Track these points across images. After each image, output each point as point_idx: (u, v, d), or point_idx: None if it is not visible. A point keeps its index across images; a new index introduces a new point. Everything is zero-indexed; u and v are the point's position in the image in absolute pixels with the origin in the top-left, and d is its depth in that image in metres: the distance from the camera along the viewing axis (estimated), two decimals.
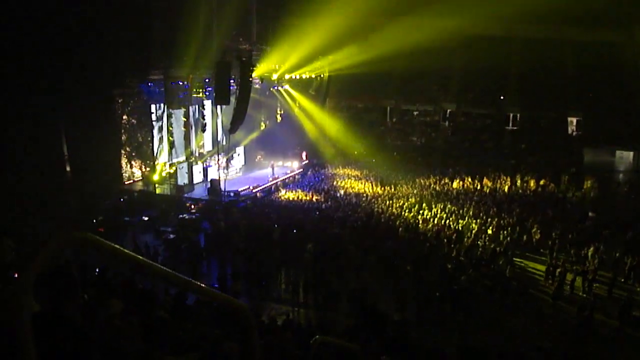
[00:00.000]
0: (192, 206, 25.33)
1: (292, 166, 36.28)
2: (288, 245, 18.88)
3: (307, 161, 37.60)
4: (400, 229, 21.32)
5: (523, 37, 40.62)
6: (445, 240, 20.19)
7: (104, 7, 22.28)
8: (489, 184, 30.06)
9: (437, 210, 23.89)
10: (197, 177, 29.53)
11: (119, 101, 26.83)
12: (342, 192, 29.09)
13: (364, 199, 27.14)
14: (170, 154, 29.20)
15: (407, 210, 24.23)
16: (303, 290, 16.04)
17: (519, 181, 30.33)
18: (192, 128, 30.72)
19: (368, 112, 45.59)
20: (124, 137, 27.70)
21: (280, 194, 29.22)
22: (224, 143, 31.66)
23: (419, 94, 43.41)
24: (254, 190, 28.66)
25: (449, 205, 24.82)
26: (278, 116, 38.43)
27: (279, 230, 20.15)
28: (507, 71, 40.69)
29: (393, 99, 44.74)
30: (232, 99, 27.53)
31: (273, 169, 33.22)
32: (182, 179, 28.18)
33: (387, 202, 25.87)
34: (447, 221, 22.40)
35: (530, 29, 39.80)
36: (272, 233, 19.98)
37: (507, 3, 32.28)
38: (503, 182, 30.33)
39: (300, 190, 29.74)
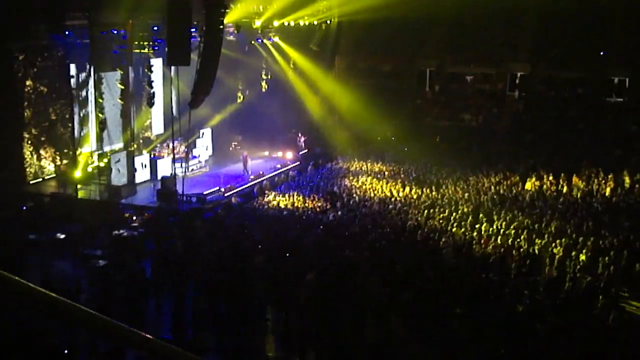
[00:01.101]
0: (134, 218, 25.44)
1: (285, 158, 36.38)
2: (278, 275, 18.83)
3: (306, 150, 37.69)
4: (446, 251, 21.31)
5: None
6: (513, 269, 20.16)
7: None
8: (581, 185, 30.02)
9: (500, 225, 23.89)
10: (142, 174, 29.63)
11: (21, 59, 26.84)
12: (358, 196, 29.14)
13: (391, 206, 27.20)
14: (99, 139, 29.28)
15: (456, 224, 24.23)
16: (300, 343, 16.01)
17: (627, 181, 30.24)
18: (133, 100, 30.77)
19: (398, 77, 45.71)
20: (28, 114, 27.73)
21: (266, 199, 29.30)
22: (182, 123, 31.72)
23: (474, 50, 43.43)
24: (226, 194, 28.80)
25: (519, 217, 24.86)
26: (263, 83, 38.56)
27: (265, 254, 20.19)
28: (608, 13, 40.53)
29: (435, 59, 44.81)
30: (194, 57, 27.55)
31: (245, 163, 33.05)
32: (119, 177, 28.26)
33: (426, 212, 25.90)
34: (517, 241, 22.36)
35: None
36: (254, 258, 20.01)
37: None
38: (603, 182, 30.26)
39: (296, 194, 29.81)
